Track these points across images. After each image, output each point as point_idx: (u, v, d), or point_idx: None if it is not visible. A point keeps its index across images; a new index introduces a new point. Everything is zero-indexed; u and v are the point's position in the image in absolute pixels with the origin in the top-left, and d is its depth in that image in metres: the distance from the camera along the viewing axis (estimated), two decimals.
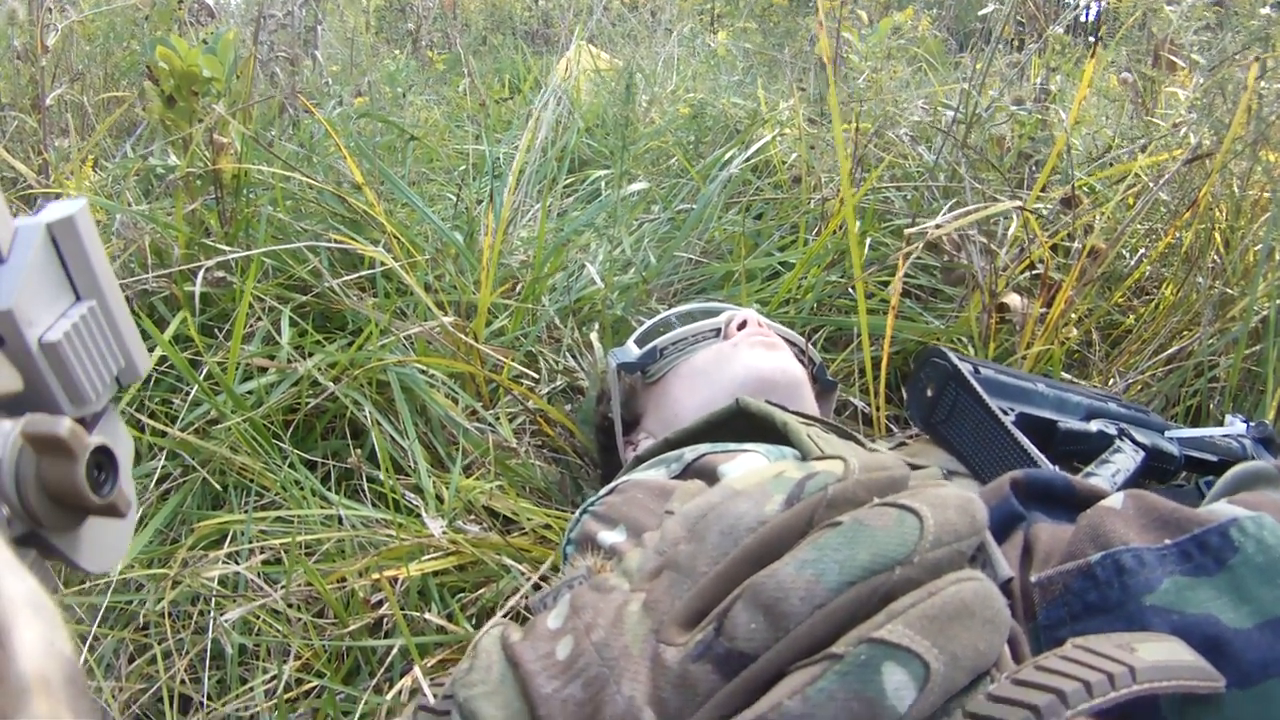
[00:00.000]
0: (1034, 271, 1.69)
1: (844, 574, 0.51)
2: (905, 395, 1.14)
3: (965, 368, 1.03)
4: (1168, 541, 0.67)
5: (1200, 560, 0.65)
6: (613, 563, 0.67)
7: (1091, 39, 2.67)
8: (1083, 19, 3.77)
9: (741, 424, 1.01)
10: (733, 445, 0.93)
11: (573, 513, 1.20)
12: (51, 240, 0.44)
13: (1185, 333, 1.70)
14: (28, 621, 0.29)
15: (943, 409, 1.03)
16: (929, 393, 1.04)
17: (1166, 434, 1.13)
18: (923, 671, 0.48)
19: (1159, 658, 0.53)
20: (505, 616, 1.11)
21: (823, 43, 1.40)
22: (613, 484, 0.93)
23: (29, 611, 0.29)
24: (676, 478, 0.91)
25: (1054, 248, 1.70)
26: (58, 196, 1.66)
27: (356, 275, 1.58)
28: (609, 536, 0.81)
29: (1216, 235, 1.81)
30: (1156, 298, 1.80)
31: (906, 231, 1.38)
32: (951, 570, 0.54)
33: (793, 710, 0.47)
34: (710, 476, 0.85)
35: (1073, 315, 1.65)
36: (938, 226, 1.39)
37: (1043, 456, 0.95)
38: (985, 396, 1.00)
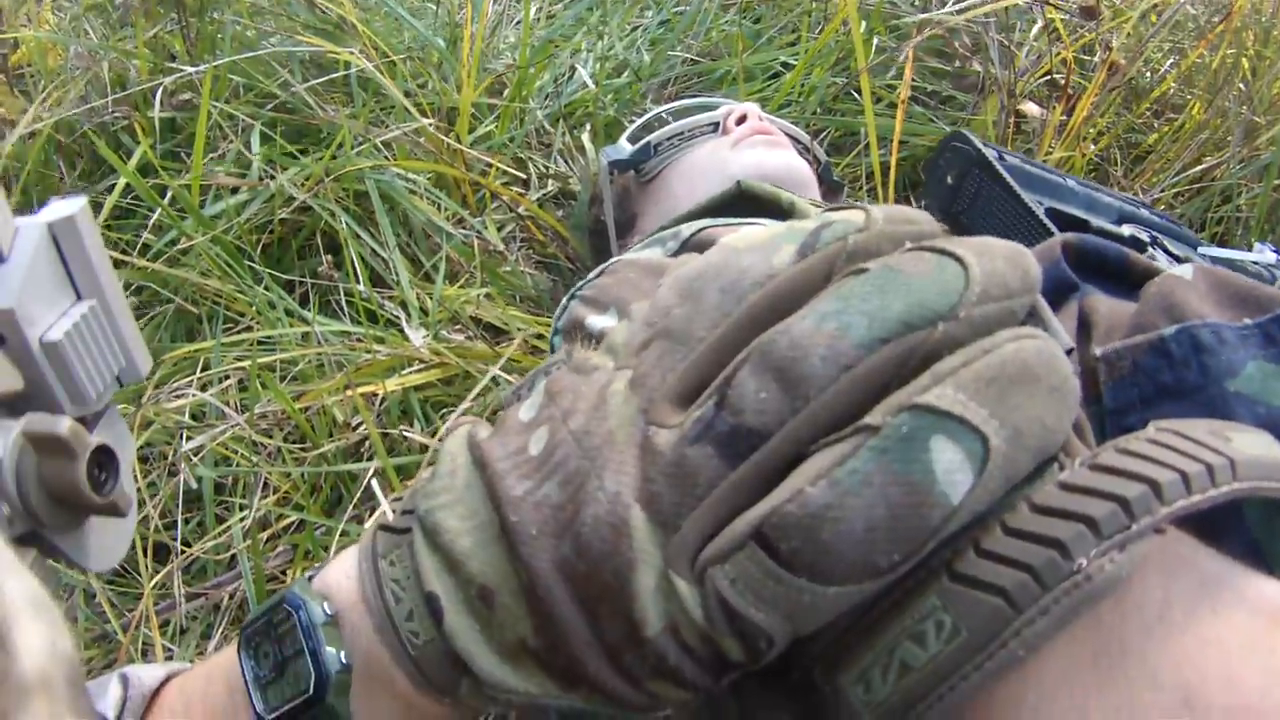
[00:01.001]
0: (1050, 79, 1.60)
1: (875, 328, 0.38)
2: (924, 183, 1.05)
3: (990, 153, 0.94)
4: (1248, 321, 0.59)
5: None
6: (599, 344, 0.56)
7: None
8: None
9: (743, 208, 0.93)
10: (735, 219, 0.84)
11: None
12: (52, 239, 0.44)
13: (1211, 155, 1.61)
14: (29, 621, 0.29)
15: (964, 197, 0.94)
16: (949, 180, 0.96)
17: (1199, 250, 1.06)
18: (980, 448, 0.36)
19: (1258, 452, 0.40)
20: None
21: None
22: (603, 265, 0.83)
23: (30, 611, 0.29)
24: (674, 256, 0.82)
25: (1073, 60, 1.61)
26: (15, 44, 1.60)
27: (327, 78, 1.48)
28: (599, 321, 0.72)
29: (1245, 62, 1.71)
30: (1182, 118, 1.69)
31: (919, 18, 1.28)
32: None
33: (817, 499, 0.35)
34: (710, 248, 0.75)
35: (1092, 129, 1.56)
36: (955, 14, 1.30)
37: None
38: (1014, 183, 0.91)
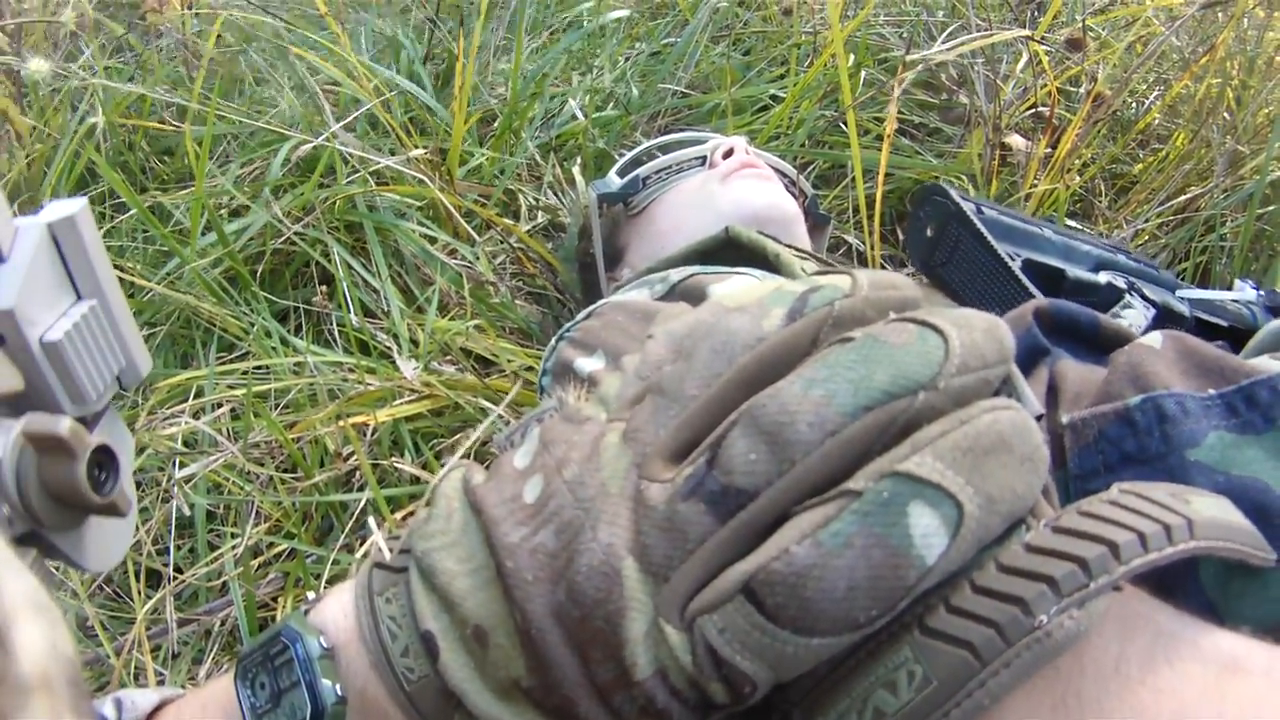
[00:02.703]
0: (1036, 111, 1.62)
1: (859, 396, 0.41)
2: (904, 235, 1.08)
3: (968, 207, 0.97)
4: (1212, 391, 0.61)
5: (1248, 416, 0.59)
6: (589, 392, 0.56)
7: None
8: None
9: (730, 255, 0.95)
10: (723, 268, 0.86)
11: None
12: (52, 239, 0.44)
13: (1195, 185, 1.63)
14: (29, 621, 0.29)
15: (943, 250, 0.96)
16: (929, 232, 0.98)
17: (1177, 293, 1.08)
18: (955, 514, 0.39)
19: (1215, 514, 0.43)
20: (477, 460, 1.06)
21: None
22: (591, 307, 0.86)
23: (30, 611, 0.29)
24: (661, 299, 0.85)
25: (1058, 92, 1.63)
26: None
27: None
28: (587, 363, 0.75)
29: (1229, 92, 1.74)
30: (1166, 148, 1.72)
31: (906, 58, 1.30)
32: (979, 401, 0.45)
33: (801, 558, 0.38)
34: (698, 298, 0.78)
35: (1077, 160, 1.58)
36: (943, 53, 1.32)
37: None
38: (990, 238, 0.93)
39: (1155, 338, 0.67)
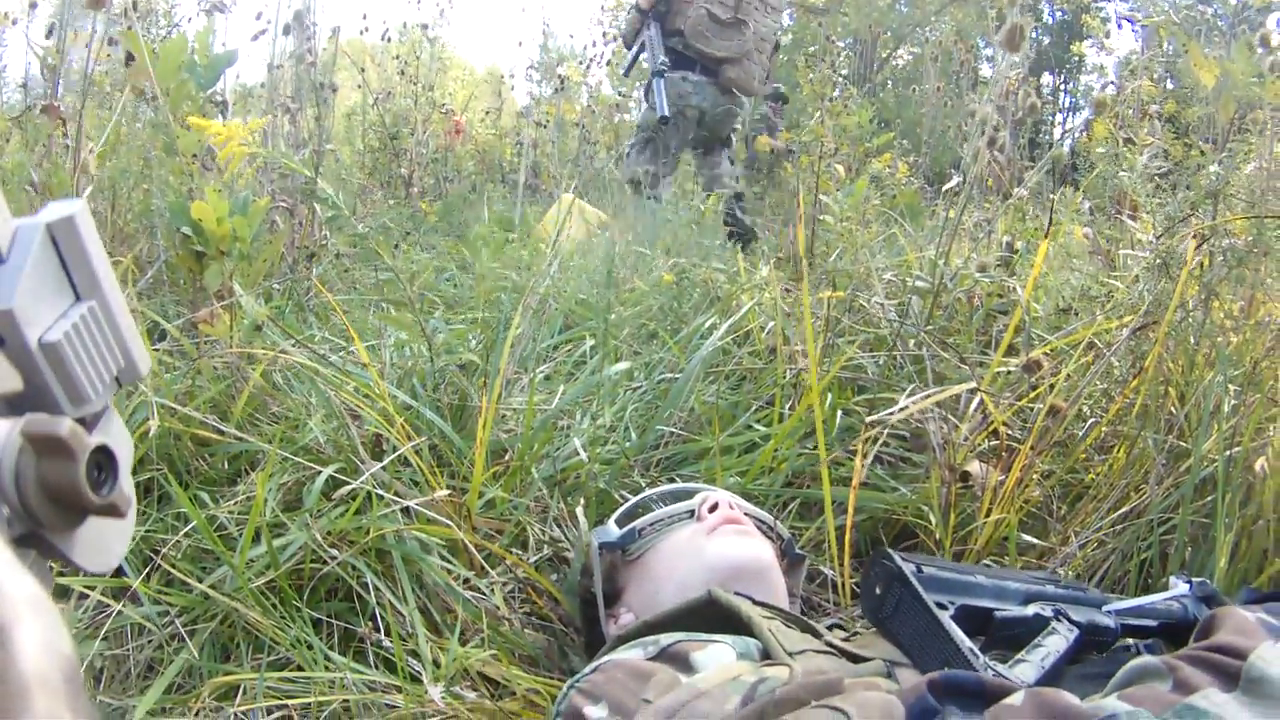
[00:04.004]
0: (995, 431, 1.77)
1: None
2: (859, 593, 1.27)
3: (909, 568, 1.14)
4: None
5: None
6: None
7: (1053, 196, 2.81)
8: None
9: (712, 612, 1.13)
10: (702, 636, 1.04)
11: (558, 679, 1.32)
12: (51, 240, 0.44)
13: (1141, 488, 1.76)
14: (28, 621, 0.30)
15: (889, 606, 1.13)
16: (877, 590, 1.15)
17: (1105, 607, 1.24)
18: None
19: None
20: None
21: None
22: (596, 662, 1.06)
23: (29, 611, 0.30)
24: (652, 659, 1.02)
25: (1016, 414, 1.80)
26: None
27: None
28: (593, 712, 0.94)
29: (1171, 390, 1.90)
30: (1111, 458, 1.87)
31: (867, 419, 1.50)
32: None
33: None
34: (682, 662, 0.97)
35: (1032, 477, 1.73)
36: (902, 409, 1.52)
37: (974, 648, 1.05)
38: (924, 595, 1.11)
39: (1018, 696, 0.83)
